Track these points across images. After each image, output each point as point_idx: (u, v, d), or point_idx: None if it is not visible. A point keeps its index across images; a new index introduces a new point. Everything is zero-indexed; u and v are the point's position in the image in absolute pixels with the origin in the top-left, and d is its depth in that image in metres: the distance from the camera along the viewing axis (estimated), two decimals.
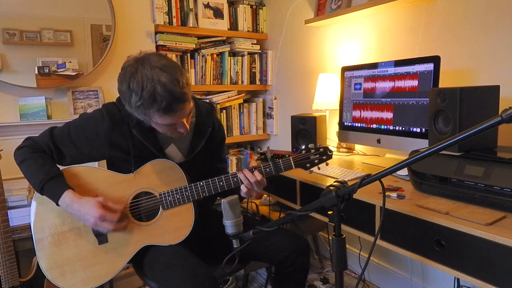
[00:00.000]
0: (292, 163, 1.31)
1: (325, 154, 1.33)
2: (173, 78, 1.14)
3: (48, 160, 1.27)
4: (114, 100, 1.36)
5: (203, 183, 1.31)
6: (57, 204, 1.21)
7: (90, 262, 1.27)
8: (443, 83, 1.56)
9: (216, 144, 1.51)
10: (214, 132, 1.47)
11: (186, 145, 1.42)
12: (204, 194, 1.31)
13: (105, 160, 1.40)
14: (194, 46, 2.58)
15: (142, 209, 1.33)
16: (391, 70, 1.71)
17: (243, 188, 1.31)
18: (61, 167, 1.29)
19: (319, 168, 1.36)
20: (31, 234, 1.26)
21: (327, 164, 1.35)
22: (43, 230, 1.26)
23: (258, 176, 1.29)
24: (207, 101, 2.62)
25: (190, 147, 1.42)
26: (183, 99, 1.17)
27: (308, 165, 1.32)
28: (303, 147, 1.34)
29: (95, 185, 1.29)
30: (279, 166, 1.31)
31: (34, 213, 1.27)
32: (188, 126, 1.27)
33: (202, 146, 1.42)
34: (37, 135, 1.32)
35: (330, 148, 1.36)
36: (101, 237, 1.28)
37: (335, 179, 1.09)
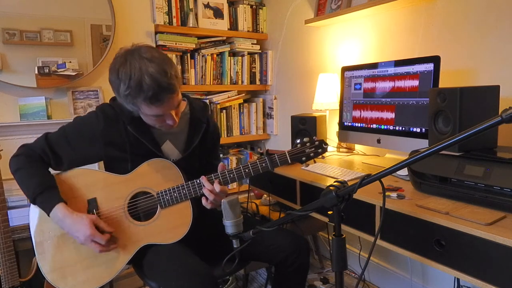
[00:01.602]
0: (288, 157, 1.30)
1: (320, 147, 1.31)
2: (161, 69, 1.16)
3: (41, 170, 1.26)
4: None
5: (199, 180, 1.30)
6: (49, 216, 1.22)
7: (90, 264, 1.27)
8: (443, 83, 1.56)
9: (212, 143, 1.52)
10: (209, 130, 1.48)
11: (181, 142, 1.42)
12: (201, 192, 1.30)
13: (102, 163, 1.40)
14: (194, 46, 2.58)
15: (140, 209, 1.33)
16: (391, 70, 1.71)
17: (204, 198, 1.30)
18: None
19: (314, 162, 1.34)
20: (31, 237, 1.26)
21: (323, 157, 1.33)
22: (42, 233, 1.26)
23: (217, 187, 1.27)
24: (207, 101, 2.63)
25: (186, 143, 1.42)
26: (170, 90, 1.18)
27: (303, 158, 1.31)
28: (298, 140, 1.32)
29: (93, 187, 1.30)
30: (275, 160, 1.30)
31: (34, 216, 1.27)
32: (176, 119, 1.28)
33: (198, 143, 1.42)
34: (35, 138, 1.31)
35: (327, 142, 1.35)
36: None
37: (335, 179, 1.09)
